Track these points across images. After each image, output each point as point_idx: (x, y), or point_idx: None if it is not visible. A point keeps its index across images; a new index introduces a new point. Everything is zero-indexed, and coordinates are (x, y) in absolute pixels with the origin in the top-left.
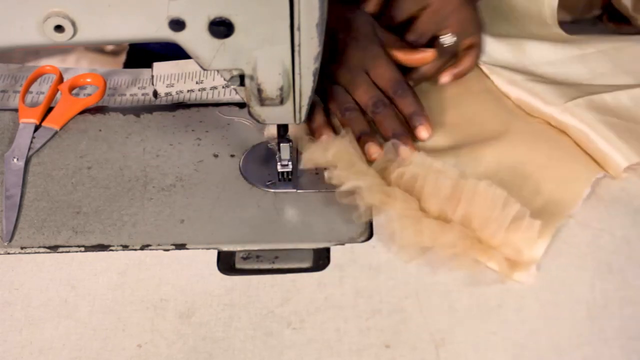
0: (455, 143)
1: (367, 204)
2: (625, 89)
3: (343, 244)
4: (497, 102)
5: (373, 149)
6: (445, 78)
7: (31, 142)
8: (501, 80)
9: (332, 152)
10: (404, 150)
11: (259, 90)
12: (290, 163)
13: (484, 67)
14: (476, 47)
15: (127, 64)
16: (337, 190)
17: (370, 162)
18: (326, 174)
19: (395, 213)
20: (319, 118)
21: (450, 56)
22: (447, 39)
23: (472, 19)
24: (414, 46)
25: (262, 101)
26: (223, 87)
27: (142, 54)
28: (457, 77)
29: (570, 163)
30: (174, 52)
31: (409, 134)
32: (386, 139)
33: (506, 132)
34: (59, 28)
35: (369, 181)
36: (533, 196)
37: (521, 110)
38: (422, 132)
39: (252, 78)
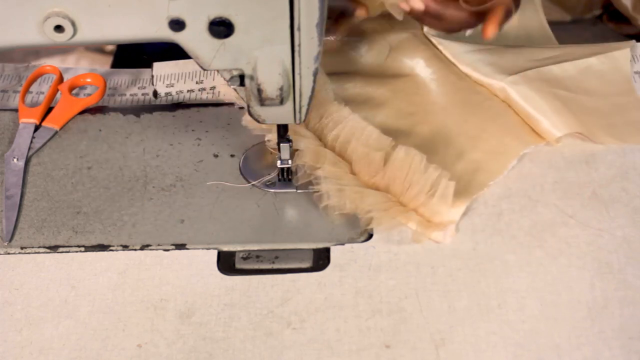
0: (397, 110)
1: (302, 164)
2: (572, 59)
3: (343, 244)
4: (445, 70)
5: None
6: (491, 30)
7: (31, 142)
8: (447, 52)
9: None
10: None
11: (259, 90)
12: (290, 161)
13: (433, 39)
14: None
15: (115, 63)
16: (274, 154)
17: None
18: (265, 137)
19: (324, 175)
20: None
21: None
22: None
23: None
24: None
25: (262, 101)
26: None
27: (131, 53)
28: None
29: (502, 136)
30: (161, 49)
31: None
32: None
33: (448, 102)
34: (59, 28)
35: (304, 142)
36: (456, 162)
37: (468, 78)
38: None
39: (252, 78)
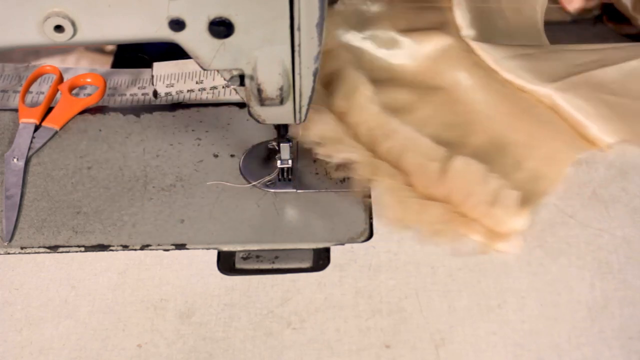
0: (443, 121)
1: (360, 176)
2: (612, 64)
3: (343, 244)
4: (487, 78)
5: None
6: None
7: (31, 142)
8: (489, 58)
9: (315, 130)
10: None
11: (259, 90)
12: (290, 160)
13: (472, 44)
14: None
15: (115, 63)
16: (328, 165)
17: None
18: (315, 150)
19: (383, 188)
20: None
21: None
22: None
23: None
24: None
25: (262, 101)
26: (223, 87)
27: (131, 53)
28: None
29: (553, 142)
30: (161, 49)
31: None
32: None
33: (494, 111)
34: (59, 28)
35: (359, 154)
36: (516, 172)
37: (511, 84)
38: None
39: (252, 78)
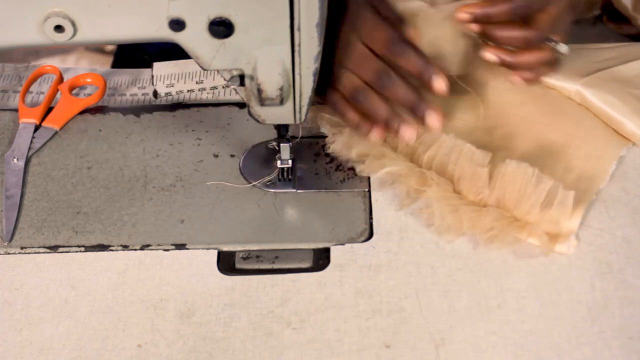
0: (479, 126)
1: (406, 188)
2: (633, 60)
3: (343, 244)
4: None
5: (407, 134)
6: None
7: (31, 142)
8: None
9: (357, 149)
10: (431, 117)
11: (259, 90)
12: (290, 161)
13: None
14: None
15: (115, 63)
16: (373, 178)
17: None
18: (357, 167)
19: (434, 197)
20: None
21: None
22: (562, 48)
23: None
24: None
25: (262, 101)
26: (223, 87)
27: (131, 53)
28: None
29: (593, 140)
30: (161, 49)
31: (425, 100)
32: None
33: (527, 111)
34: (59, 28)
35: (403, 166)
36: (565, 173)
37: (540, 83)
38: (437, 83)
39: (252, 78)
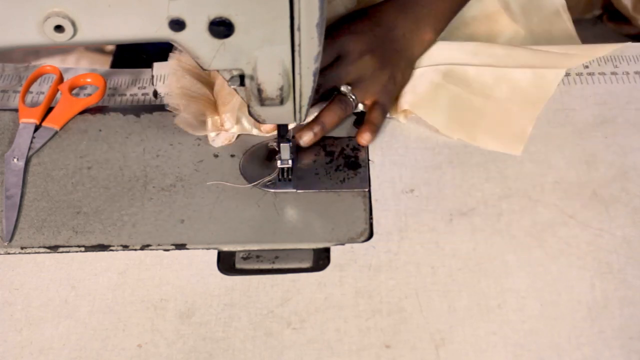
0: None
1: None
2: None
3: (343, 244)
4: None
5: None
6: (364, 139)
7: (31, 142)
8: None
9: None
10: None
11: (259, 90)
12: (290, 161)
13: None
14: (380, 105)
15: (115, 63)
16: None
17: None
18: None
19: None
20: None
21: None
22: (344, 88)
23: (383, 84)
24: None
25: (262, 101)
26: None
27: (131, 53)
28: (373, 132)
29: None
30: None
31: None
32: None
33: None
34: (59, 28)
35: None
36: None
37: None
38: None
39: (252, 78)
